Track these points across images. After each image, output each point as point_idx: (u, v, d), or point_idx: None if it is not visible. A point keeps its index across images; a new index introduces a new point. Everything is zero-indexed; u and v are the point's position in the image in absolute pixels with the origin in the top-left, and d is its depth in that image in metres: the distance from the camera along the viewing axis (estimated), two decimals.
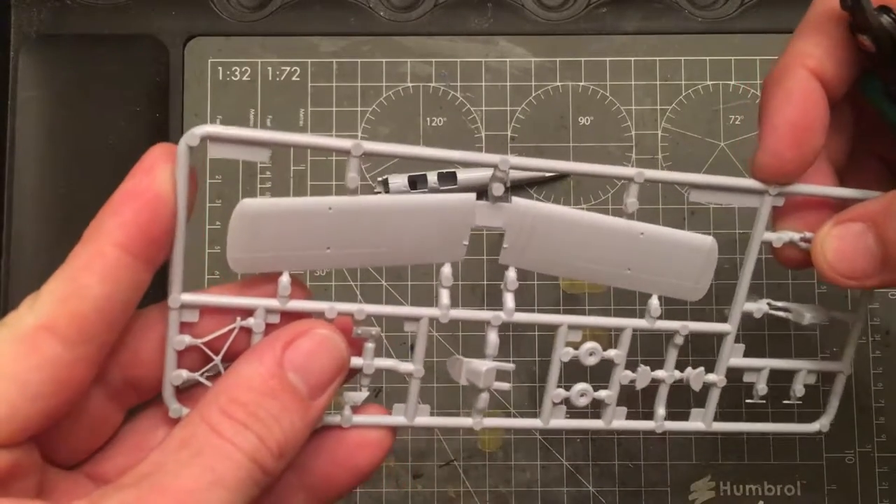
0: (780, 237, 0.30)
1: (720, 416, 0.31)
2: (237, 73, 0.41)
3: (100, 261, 0.23)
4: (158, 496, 0.21)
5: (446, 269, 0.27)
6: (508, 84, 0.42)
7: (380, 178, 0.41)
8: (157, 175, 0.23)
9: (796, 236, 0.30)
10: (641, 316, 0.29)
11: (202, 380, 0.25)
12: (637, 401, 0.31)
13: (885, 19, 0.26)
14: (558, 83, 0.42)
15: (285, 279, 0.25)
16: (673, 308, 0.30)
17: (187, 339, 0.25)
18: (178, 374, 0.25)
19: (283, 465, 0.24)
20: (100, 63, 0.42)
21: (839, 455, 0.40)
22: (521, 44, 0.43)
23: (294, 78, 0.42)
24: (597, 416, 0.30)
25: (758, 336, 0.41)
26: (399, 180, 0.40)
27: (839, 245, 0.28)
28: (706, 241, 0.30)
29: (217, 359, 0.25)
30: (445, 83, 0.42)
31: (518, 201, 0.27)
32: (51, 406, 0.22)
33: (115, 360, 0.25)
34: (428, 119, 0.42)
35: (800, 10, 0.29)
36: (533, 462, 0.40)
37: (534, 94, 0.42)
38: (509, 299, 0.27)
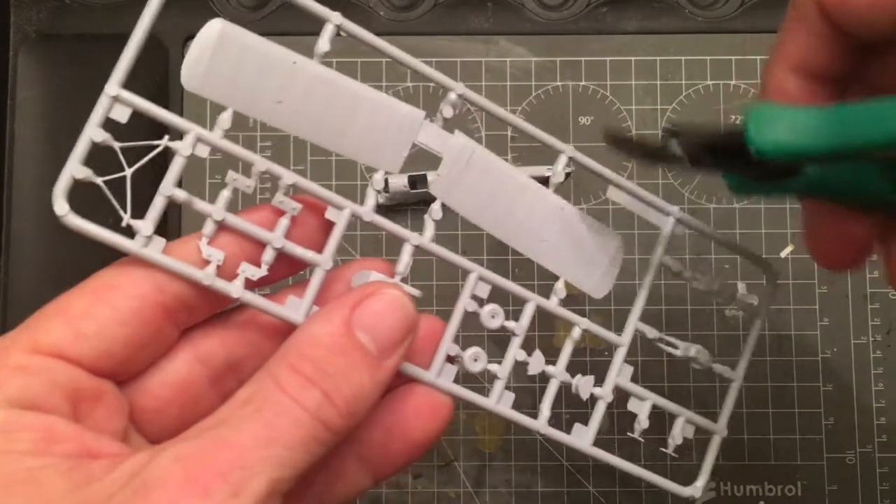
0: (676, 264, 0.31)
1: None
2: None
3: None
4: (216, 450, 0.21)
5: (378, 175, 0.27)
6: (508, 84, 0.42)
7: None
8: None
9: (687, 273, 0.31)
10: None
11: (100, 182, 0.24)
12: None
13: (676, 141, 0.27)
14: (558, 83, 0.42)
15: (226, 115, 0.25)
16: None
17: (106, 136, 0.24)
18: (81, 168, 0.24)
19: (352, 425, 0.23)
20: (99, 63, 0.41)
21: (840, 455, 0.40)
22: (521, 43, 0.42)
23: None
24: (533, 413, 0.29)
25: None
26: (399, 180, 0.40)
27: None
28: (615, 238, 0.30)
29: (127, 171, 0.25)
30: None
31: (460, 135, 0.28)
32: (133, 337, 0.23)
33: (217, 336, 0.26)
34: (428, 119, 0.42)
35: None
36: (533, 462, 0.40)
37: (534, 94, 0.42)
38: (430, 227, 0.28)
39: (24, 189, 0.40)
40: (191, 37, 0.44)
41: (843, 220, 0.27)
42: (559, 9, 0.43)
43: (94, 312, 0.23)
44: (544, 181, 0.41)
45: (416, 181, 0.40)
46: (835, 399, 0.41)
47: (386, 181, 0.40)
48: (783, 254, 0.41)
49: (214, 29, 0.25)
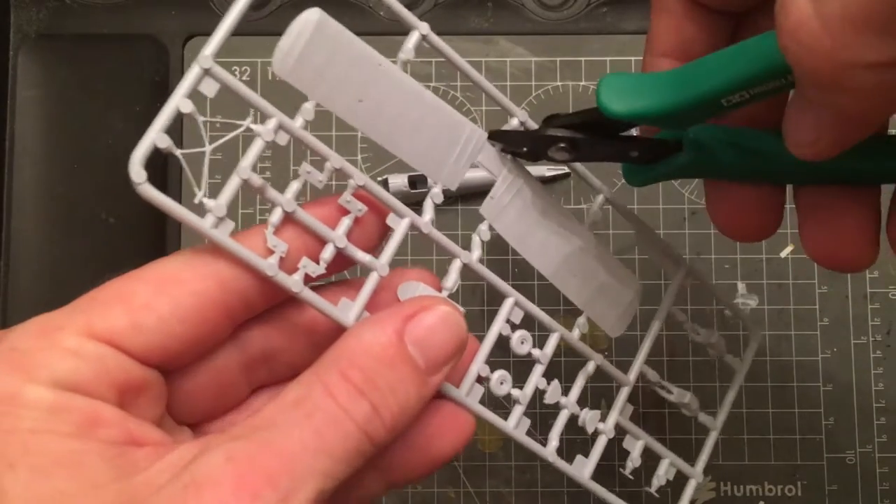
0: (681, 314, 0.32)
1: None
2: (237, 72, 0.41)
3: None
4: (264, 453, 0.21)
5: (436, 189, 0.27)
6: (508, 84, 0.42)
7: (379, 179, 0.41)
8: None
9: (689, 325, 0.33)
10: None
11: (178, 153, 0.23)
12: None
13: (551, 125, 0.28)
14: (558, 83, 0.42)
15: (309, 106, 0.25)
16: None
17: (192, 107, 0.23)
18: (163, 137, 0.23)
19: (393, 439, 0.23)
20: (99, 63, 0.42)
21: (840, 455, 0.40)
22: (521, 43, 0.42)
23: None
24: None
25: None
26: (399, 180, 0.40)
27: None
28: (635, 284, 0.31)
29: (207, 147, 0.24)
30: (446, 83, 0.42)
31: (517, 163, 0.29)
32: (191, 334, 0.23)
33: (258, 326, 0.25)
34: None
35: None
36: (533, 462, 0.40)
37: (534, 94, 0.42)
38: (477, 247, 0.28)
39: (24, 189, 0.40)
40: (191, 37, 0.44)
41: (741, 196, 0.27)
42: (559, 9, 0.43)
43: (156, 305, 0.22)
44: (546, 180, 0.41)
45: (416, 181, 0.40)
46: (835, 399, 0.41)
47: (385, 181, 0.40)
48: (783, 254, 0.41)
49: (312, 18, 0.24)
